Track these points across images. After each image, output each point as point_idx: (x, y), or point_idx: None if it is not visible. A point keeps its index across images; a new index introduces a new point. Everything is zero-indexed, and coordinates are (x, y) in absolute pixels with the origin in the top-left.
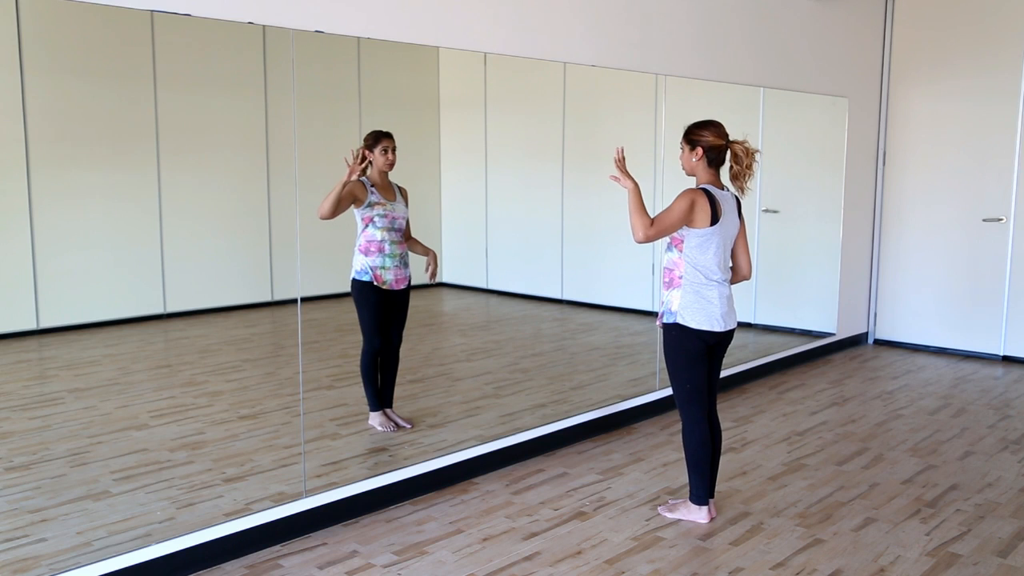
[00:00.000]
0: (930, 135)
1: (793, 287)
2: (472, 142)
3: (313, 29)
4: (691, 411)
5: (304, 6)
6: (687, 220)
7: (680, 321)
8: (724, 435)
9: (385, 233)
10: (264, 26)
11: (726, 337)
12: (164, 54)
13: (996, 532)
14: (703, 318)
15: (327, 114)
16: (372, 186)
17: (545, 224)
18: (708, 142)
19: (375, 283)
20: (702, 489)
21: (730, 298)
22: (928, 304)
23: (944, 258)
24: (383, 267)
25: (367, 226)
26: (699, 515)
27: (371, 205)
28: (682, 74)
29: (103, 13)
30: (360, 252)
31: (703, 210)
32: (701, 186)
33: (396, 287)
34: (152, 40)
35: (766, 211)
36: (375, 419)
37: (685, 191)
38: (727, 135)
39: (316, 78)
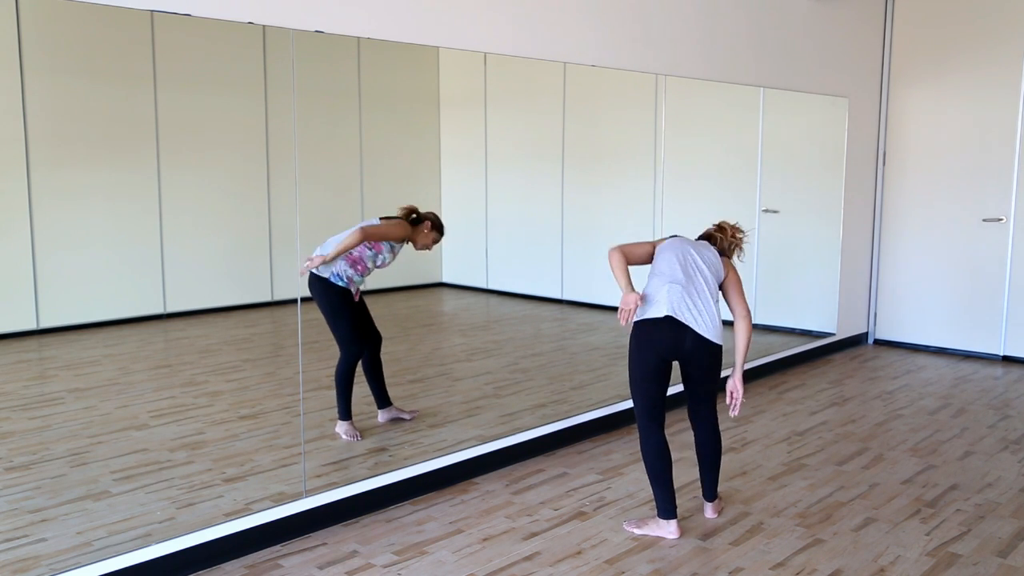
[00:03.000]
0: (930, 135)
1: (793, 287)
2: (472, 142)
3: (313, 29)
4: (642, 424)
5: (304, 6)
6: (652, 253)
7: (636, 318)
8: (725, 435)
9: (375, 269)
10: (264, 26)
11: (684, 341)
12: (164, 54)
13: (996, 532)
14: (651, 308)
15: (327, 114)
16: (401, 244)
17: (545, 224)
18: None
19: (349, 291)
20: (664, 502)
21: (688, 299)
22: (928, 304)
23: (944, 258)
24: (360, 283)
25: (370, 250)
26: (666, 530)
27: (391, 250)
28: (682, 74)
29: (103, 13)
30: (344, 259)
31: (660, 241)
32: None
33: (356, 299)
34: (152, 40)
35: (766, 211)
36: (343, 427)
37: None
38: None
39: (316, 78)
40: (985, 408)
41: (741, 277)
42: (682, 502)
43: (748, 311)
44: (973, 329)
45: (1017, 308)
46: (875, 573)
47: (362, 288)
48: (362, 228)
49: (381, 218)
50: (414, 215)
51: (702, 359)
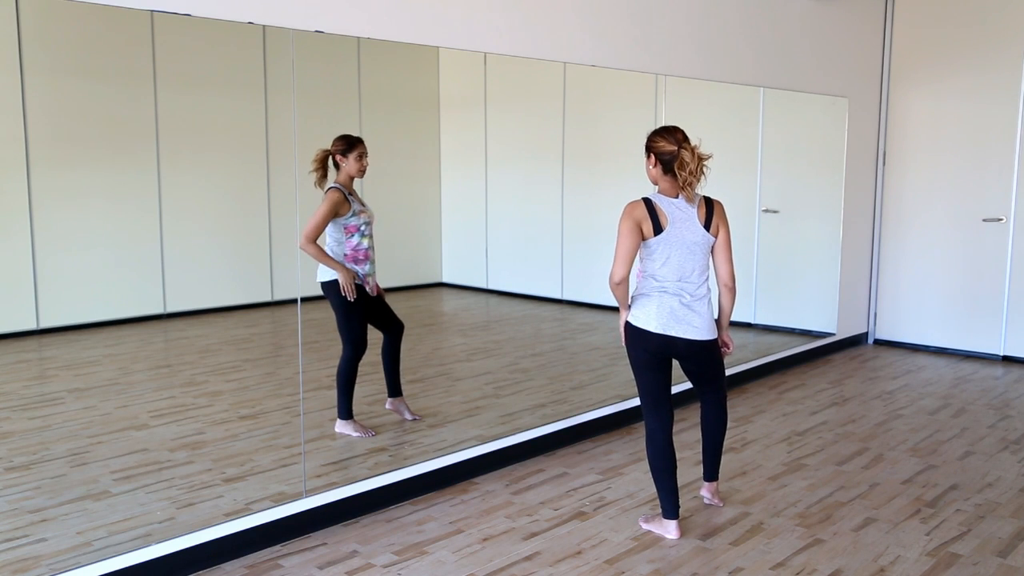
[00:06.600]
0: (930, 135)
1: (793, 287)
2: (472, 142)
3: (313, 29)
4: (646, 419)
5: (304, 6)
6: (639, 233)
7: (629, 319)
8: (725, 436)
9: (369, 240)
10: (264, 26)
11: (675, 346)
12: (164, 54)
13: (996, 532)
14: (642, 316)
15: (327, 114)
16: (349, 194)
17: (545, 224)
18: (659, 148)
19: (364, 288)
20: (666, 502)
21: (682, 308)
22: (928, 304)
23: (944, 258)
24: (371, 273)
25: (353, 235)
26: (666, 530)
27: (356, 214)
28: (682, 74)
29: (103, 13)
30: (348, 262)
31: (645, 220)
32: (643, 196)
33: (374, 293)
34: (152, 40)
35: (766, 211)
36: (348, 426)
37: (625, 207)
38: (681, 140)
39: (316, 78)
40: (985, 408)
41: (733, 243)
42: (682, 502)
43: (733, 279)
44: (973, 329)
45: (1017, 308)
46: (875, 573)
47: (375, 278)
48: (304, 241)
49: (326, 190)
50: (334, 154)
51: (696, 356)
